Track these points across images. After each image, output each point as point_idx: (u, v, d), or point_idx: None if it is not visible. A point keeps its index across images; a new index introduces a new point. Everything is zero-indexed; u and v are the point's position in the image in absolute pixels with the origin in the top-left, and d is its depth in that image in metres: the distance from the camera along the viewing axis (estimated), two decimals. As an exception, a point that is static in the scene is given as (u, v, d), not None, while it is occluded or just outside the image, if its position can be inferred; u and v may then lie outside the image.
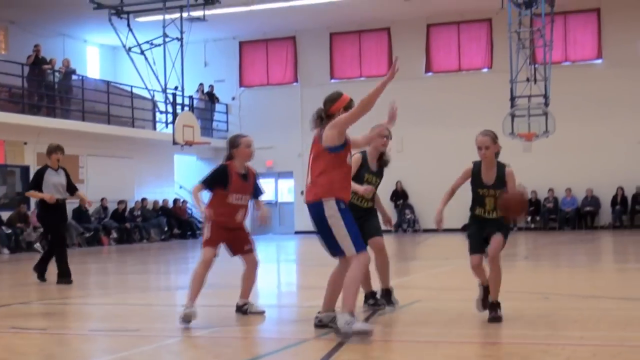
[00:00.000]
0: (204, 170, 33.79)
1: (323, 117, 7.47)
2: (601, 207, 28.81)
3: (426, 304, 9.36)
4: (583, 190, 29.04)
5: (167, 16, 26.14)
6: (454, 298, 9.92)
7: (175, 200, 31.25)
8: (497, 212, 7.83)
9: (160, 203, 30.18)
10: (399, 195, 30.65)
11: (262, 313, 8.61)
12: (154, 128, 30.49)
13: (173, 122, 26.74)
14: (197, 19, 26.34)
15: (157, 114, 30.11)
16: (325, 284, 7.78)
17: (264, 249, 24.45)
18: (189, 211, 32.06)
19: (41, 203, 13.12)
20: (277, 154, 32.25)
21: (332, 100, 7.54)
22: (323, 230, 7.33)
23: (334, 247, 7.36)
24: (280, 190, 33.43)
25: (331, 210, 7.21)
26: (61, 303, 10.85)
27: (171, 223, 29.70)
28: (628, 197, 28.71)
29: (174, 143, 26.13)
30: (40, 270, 13.08)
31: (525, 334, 7.13)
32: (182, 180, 33.25)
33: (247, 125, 33.07)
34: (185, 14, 26.04)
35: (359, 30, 31.71)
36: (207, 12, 26.22)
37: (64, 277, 12.73)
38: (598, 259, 17.37)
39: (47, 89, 26.68)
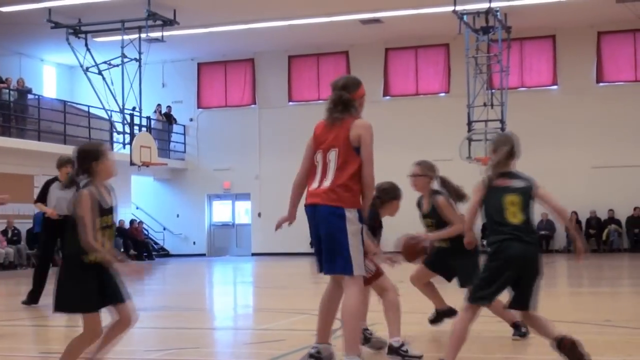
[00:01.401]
0: (161, 191, 33.74)
1: (349, 103, 6.79)
2: (556, 231, 29.07)
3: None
4: (538, 214, 29.25)
5: (126, 37, 26.04)
6: (410, 322, 9.93)
7: (132, 221, 31.07)
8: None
9: (117, 224, 29.95)
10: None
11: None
12: (112, 149, 30.28)
13: (130, 142, 26.60)
14: (156, 39, 26.28)
15: (115, 135, 29.92)
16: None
17: (220, 271, 24.38)
18: (145, 232, 31.88)
19: (43, 216, 12.89)
20: (235, 175, 32.19)
21: (356, 84, 6.92)
22: (333, 240, 6.38)
23: (332, 262, 6.39)
24: (238, 211, 33.33)
25: (354, 221, 6.41)
26: (12, 325, 10.71)
27: (127, 244, 29.48)
28: (582, 221, 29.01)
29: (131, 164, 25.98)
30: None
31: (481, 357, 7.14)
32: (138, 201, 33.06)
33: (205, 147, 33.02)
34: (143, 35, 25.97)
35: (318, 54, 31.80)
36: (166, 33, 26.18)
37: (32, 299, 12.47)
38: (554, 282, 17.51)
39: (2, 108, 26.43)
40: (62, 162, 12.78)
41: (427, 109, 30.52)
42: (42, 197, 12.77)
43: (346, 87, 6.78)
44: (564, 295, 14.71)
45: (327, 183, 6.55)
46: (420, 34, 29.49)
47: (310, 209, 6.59)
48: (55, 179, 12.92)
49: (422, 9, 25.93)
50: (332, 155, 6.64)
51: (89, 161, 5.97)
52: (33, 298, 12.53)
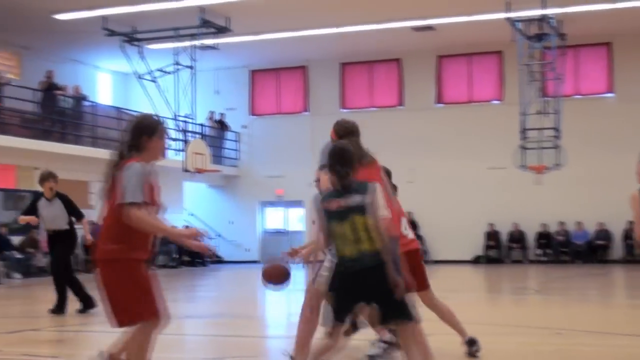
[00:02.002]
0: (214, 198, 33.89)
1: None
2: (613, 241, 28.67)
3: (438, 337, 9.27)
4: (594, 223, 28.92)
5: (179, 44, 26.25)
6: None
7: (186, 228, 31.23)
8: None
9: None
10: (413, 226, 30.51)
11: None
12: (165, 155, 30.51)
13: (184, 149, 26.78)
14: (209, 47, 26.43)
15: (168, 141, 30.08)
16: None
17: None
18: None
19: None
20: (288, 182, 32.21)
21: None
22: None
23: None
24: (290, 219, 33.36)
25: None
26: (72, 330, 10.81)
27: (181, 250, 29.66)
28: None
29: (185, 170, 26.14)
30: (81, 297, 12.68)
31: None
32: (191, 207, 33.25)
33: (258, 154, 33.12)
34: (197, 43, 26.14)
35: (370, 61, 31.75)
36: (219, 41, 26.32)
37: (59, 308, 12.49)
38: (610, 293, 17.26)
39: (59, 114, 26.75)
40: (44, 177, 12.84)
41: (480, 116, 30.29)
42: (28, 212, 12.80)
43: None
44: (621, 307, 14.48)
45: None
46: (473, 41, 29.27)
47: None
48: (41, 195, 12.85)
49: (475, 16, 25.73)
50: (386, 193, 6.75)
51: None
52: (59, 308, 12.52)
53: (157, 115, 5.88)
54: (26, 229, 24.77)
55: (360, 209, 5.62)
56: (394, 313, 5.59)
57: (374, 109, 31.71)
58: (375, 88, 31.91)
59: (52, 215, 12.62)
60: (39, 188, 24.26)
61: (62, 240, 12.72)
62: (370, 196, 5.65)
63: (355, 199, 5.65)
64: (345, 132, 7.29)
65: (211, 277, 26.14)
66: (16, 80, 27.34)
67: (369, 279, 5.54)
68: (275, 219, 33.65)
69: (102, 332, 10.90)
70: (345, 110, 31.89)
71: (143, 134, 5.73)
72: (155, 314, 5.47)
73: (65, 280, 12.77)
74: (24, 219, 12.89)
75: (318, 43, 29.04)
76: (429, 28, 27.45)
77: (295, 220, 33.31)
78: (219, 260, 32.71)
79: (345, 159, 5.78)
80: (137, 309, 5.48)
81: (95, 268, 5.60)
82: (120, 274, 5.46)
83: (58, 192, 12.83)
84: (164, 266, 28.68)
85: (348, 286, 5.61)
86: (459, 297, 14.79)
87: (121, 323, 5.60)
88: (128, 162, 5.56)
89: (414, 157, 29.98)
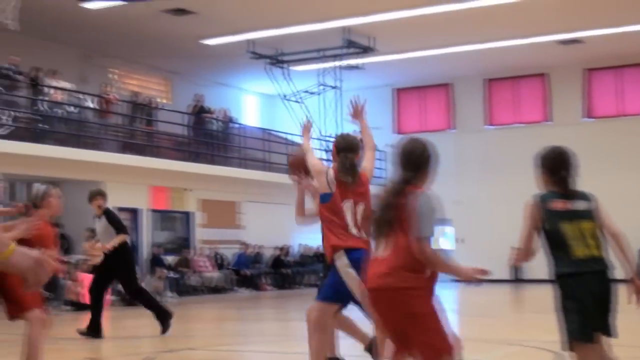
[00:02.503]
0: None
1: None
2: None
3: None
4: None
5: (324, 65, 26.51)
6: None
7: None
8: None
9: (317, 249, 30.40)
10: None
11: None
12: (311, 175, 30.84)
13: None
14: (353, 67, 26.61)
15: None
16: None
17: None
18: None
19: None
20: (433, 200, 31.94)
21: None
22: None
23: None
24: (439, 237, 33.05)
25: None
26: (224, 350, 10.99)
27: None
28: None
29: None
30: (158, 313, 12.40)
31: None
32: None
33: (403, 172, 33.02)
34: (341, 63, 26.35)
35: (515, 76, 31.30)
36: (363, 61, 26.47)
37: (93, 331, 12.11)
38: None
39: (208, 137, 27.41)
40: (92, 195, 12.73)
41: (634, 129, 29.40)
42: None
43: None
44: None
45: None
46: (622, 53, 28.47)
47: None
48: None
49: (625, 27, 25.04)
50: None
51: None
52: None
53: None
54: (179, 249, 25.53)
55: (587, 215, 5.57)
56: (602, 325, 5.46)
57: (520, 125, 31.22)
58: (521, 103, 31.42)
59: (101, 233, 12.64)
60: (192, 209, 24.81)
61: (114, 258, 12.44)
62: (596, 204, 5.63)
63: (581, 205, 5.61)
64: (346, 146, 7.46)
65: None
66: (167, 105, 28.21)
67: (598, 285, 5.46)
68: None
69: (250, 351, 11.06)
70: (490, 127, 31.55)
71: (429, 161, 5.44)
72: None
73: (136, 298, 12.67)
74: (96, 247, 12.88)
75: (462, 60, 28.82)
76: (576, 41, 26.83)
77: (441, 238, 33.05)
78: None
79: (571, 164, 5.81)
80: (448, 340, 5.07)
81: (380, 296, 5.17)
82: (430, 302, 5.11)
83: (106, 208, 12.73)
84: (312, 285, 28.93)
85: (592, 291, 5.45)
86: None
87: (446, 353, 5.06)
88: (416, 190, 5.29)
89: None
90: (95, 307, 12.24)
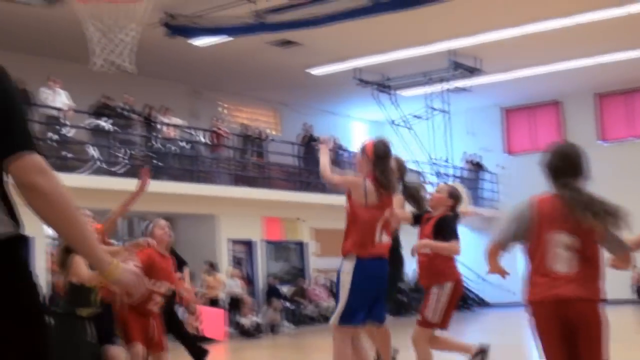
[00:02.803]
0: (475, 240, 33.48)
1: None
2: None
3: None
4: None
5: (431, 89, 26.39)
6: None
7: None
8: None
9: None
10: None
11: None
12: (422, 200, 30.69)
13: (441, 193, 26.74)
14: (461, 89, 26.41)
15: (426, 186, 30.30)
16: None
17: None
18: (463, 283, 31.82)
19: None
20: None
21: None
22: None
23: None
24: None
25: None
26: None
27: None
28: None
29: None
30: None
31: None
32: (451, 250, 33.08)
33: (516, 193, 32.44)
34: (449, 86, 26.19)
35: (628, 90, 30.52)
36: (470, 82, 26.25)
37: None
38: None
39: (319, 165, 27.47)
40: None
41: None
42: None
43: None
44: None
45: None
46: None
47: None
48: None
49: None
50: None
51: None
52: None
53: None
54: (294, 279, 25.64)
55: None
56: None
57: (636, 139, 30.41)
58: (635, 117, 30.62)
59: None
60: (305, 238, 24.91)
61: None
62: None
63: None
64: (386, 153, 7.54)
65: (477, 321, 25.83)
66: (276, 136, 28.49)
67: None
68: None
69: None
70: (603, 143, 30.82)
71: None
72: None
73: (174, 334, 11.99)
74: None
75: (571, 75, 28.24)
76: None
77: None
78: (484, 304, 32.30)
79: None
80: None
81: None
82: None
83: None
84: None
85: None
86: None
87: None
88: None
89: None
90: (186, 339, 12.11)
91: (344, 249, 7.16)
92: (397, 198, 7.91)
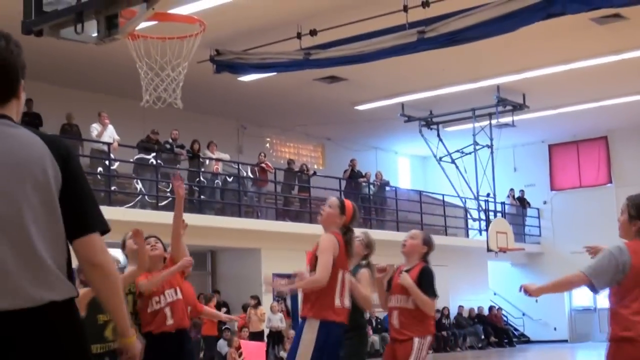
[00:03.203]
0: (518, 276, 33.33)
1: None
2: None
3: None
4: None
5: (476, 124, 26.39)
6: None
7: (491, 308, 30.96)
8: None
9: (476, 310, 30.01)
10: None
11: None
12: (467, 235, 30.55)
13: (486, 229, 26.69)
14: (506, 124, 26.36)
15: (470, 222, 30.22)
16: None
17: (585, 358, 23.46)
18: (505, 318, 31.62)
19: None
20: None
21: None
22: None
23: None
24: (599, 295, 32.05)
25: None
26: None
27: (487, 331, 29.36)
28: None
29: (488, 250, 25.98)
30: None
31: None
32: (496, 287, 32.91)
33: (561, 229, 32.31)
34: (494, 121, 26.16)
35: (676, 126, 30.22)
36: (516, 118, 26.18)
37: None
38: None
39: (363, 201, 27.59)
40: None
41: None
42: None
43: None
44: None
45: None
46: None
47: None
48: None
49: None
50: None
51: None
52: None
53: None
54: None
55: None
56: None
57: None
58: (684, 154, 30.27)
59: None
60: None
61: None
62: None
63: None
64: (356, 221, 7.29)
65: (520, 358, 25.60)
66: (321, 170, 28.62)
67: None
68: (583, 295, 32.51)
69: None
70: (652, 180, 30.52)
71: None
72: None
73: None
74: None
75: (618, 111, 28.04)
76: None
77: (603, 296, 31.96)
78: (526, 340, 32.03)
79: None
80: None
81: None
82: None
83: None
84: (471, 347, 28.51)
85: None
86: None
87: None
88: None
89: None
90: None
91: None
92: (365, 275, 7.76)
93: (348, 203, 7.26)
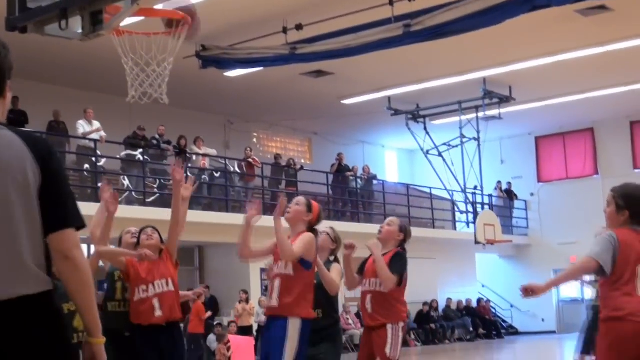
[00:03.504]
0: (506, 268, 33.45)
1: None
2: None
3: None
4: None
5: (463, 117, 26.44)
6: None
7: (479, 300, 31.05)
8: None
9: (464, 303, 30.09)
10: None
11: None
12: (454, 228, 30.63)
13: (474, 221, 26.76)
14: (492, 117, 26.41)
15: (457, 214, 30.28)
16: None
17: (571, 349, 23.47)
18: (493, 310, 31.72)
19: None
20: (581, 249, 30.91)
21: None
22: None
23: None
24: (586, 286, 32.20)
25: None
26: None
27: (476, 323, 29.44)
28: None
29: (476, 242, 26.06)
30: None
31: None
32: (484, 279, 33.01)
33: (548, 221, 32.43)
34: (480, 114, 26.22)
35: (662, 117, 30.35)
36: (502, 111, 26.24)
37: None
38: None
39: (350, 195, 27.61)
40: None
41: None
42: None
43: None
44: None
45: None
46: None
47: None
48: None
49: None
50: None
51: None
52: None
53: None
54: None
55: None
56: None
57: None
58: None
59: None
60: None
61: None
62: None
63: None
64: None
65: (508, 350, 25.68)
66: (308, 165, 28.63)
67: None
68: (570, 287, 32.64)
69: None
70: (638, 171, 30.65)
71: None
72: None
73: None
74: None
75: (604, 103, 28.15)
76: None
77: (591, 287, 32.10)
78: (514, 332, 32.14)
79: None
80: None
81: None
82: None
83: None
84: (460, 339, 28.58)
85: None
86: None
87: None
88: None
89: None
90: None
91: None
92: (337, 268, 7.78)
93: (314, 203, 7.27)
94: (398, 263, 7.47)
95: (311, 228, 7.11)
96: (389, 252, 7.60)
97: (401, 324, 7.42)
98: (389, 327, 7.33)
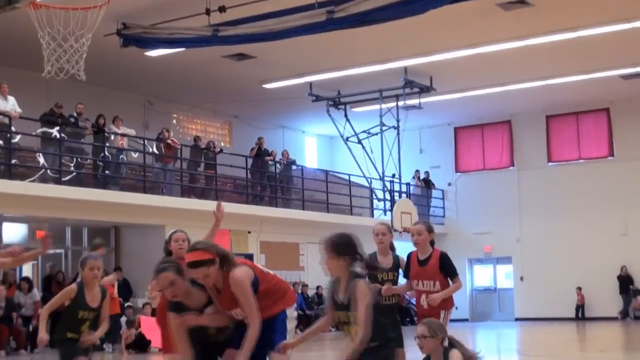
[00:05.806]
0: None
1: None
2: None
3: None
4: None
5: (383, 105, 26.60)
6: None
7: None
8: None
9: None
10: (625, 281, 29.24)
11: None
12: (372, 215, 30.82)
13: (391, 209, 26.98)
14: (413, 107, 26.64)
15: (375, 202, 30.46)
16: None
17: (484, 337, 23.96)
18: (407, 298, 32.02)
19: None
20: (495, 239, 31.76)
21: None
22: None
23: None
24: (499, 275, 32.82)
25: None
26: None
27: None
28: None
29: (393, 230, 26.19)
30: None
31: None
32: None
33: (464, 211, 32.85)
34: (401, 103, 26.42)
35: (576, 112, 30.93)
36: (423, 100, 26.46)
37: None
38: None
39: (269, 179, 27.57)
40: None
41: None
42: None
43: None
44: None
45: None
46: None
47: None
48: None
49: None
50: None
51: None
52: None
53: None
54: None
55: None
56: None
57: (583, 161, 30.84)
58: (582, 139, 30.99)
59: None
60: (253, 251, 24.76)
61: None
62: None
63: None
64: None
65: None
66: (228, 148, 28.49)
67: None
68: (483, 276, 33.20)
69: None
70: (552, 164, 31.24)
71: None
72: None
73: None
74: None
75: (522, 96, 28.63)
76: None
77: (503, 276, 32.72)
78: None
79: None
80: None
81: None
82: None
83: None
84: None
85: None
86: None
87: None
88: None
89: (626, 209, 28.96)
90: None
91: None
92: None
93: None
94: (452, 266, 8.07)
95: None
96: (433, 255, 8.13)
97: (451, 310, 8.10)
98: (442, 313, 7.92)
